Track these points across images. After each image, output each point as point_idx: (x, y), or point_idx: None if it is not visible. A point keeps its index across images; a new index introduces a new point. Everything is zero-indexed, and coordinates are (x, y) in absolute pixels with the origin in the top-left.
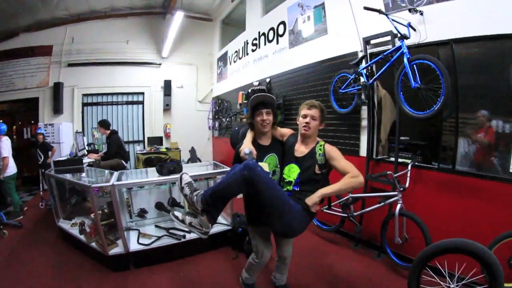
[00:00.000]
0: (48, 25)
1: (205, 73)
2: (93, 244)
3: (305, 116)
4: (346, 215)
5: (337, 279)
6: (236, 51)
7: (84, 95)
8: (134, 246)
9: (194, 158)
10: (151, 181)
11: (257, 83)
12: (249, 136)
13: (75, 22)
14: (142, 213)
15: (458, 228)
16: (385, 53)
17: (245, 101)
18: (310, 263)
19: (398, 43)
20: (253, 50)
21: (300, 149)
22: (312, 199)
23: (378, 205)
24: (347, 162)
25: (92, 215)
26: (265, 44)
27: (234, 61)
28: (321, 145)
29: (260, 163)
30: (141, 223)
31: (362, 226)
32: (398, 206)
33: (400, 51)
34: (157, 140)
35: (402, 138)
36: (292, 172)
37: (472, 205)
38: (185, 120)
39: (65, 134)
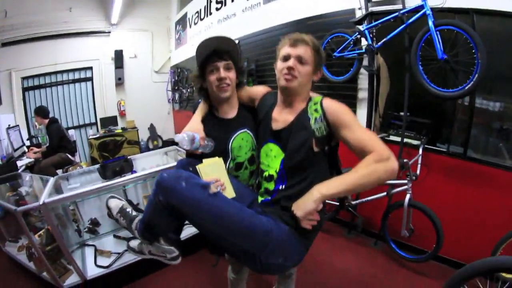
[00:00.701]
0: None
1: (161, 39)
2: (45, 274)
3: (286, 58)
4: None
5: (343, 273)
6: (197, 12)
7: (23, 78)
8: (92, 270)
9: (154, 136)
10: (92, 190)
11: None
12: (198, 111)
13: None
14: (94, 226)
15: (468, 220)
16: (401, 12)
17: None
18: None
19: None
20: (217, 9)
21: (282, 117)
22: (302, 206)
23: (382, 194)
24: (367, 132)
25: (37, 237)
26: (232, 0)
27: (195, 23)
28: (316, 103)
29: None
30: (96, 236)
31: (358, 214)
32: (408, 196)
33: (422, 12)
34: (112, 121)
35: (402, 114)
36: (271, 158)
37: (484, 195)
38: (141, 94)
39: (5, 128)
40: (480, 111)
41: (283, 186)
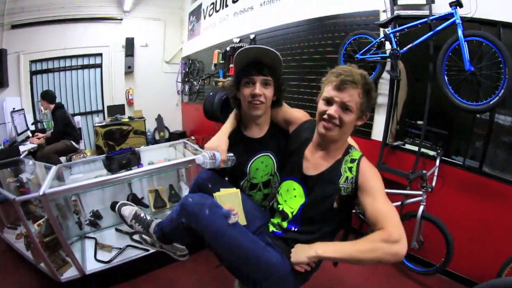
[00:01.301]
0: None
1: (174, 29)
2: (43, 265)
3: (329, 102)
4: (353, 211)
5: (347, 280)
6: (213, 3)
7: (31, 61)
8: (91, 264)
9: (161, 127)
10: (96, 183)
11: (237, 40)
12: (227, 125)
13: None
14: (96, 219)
15: (478, 236)
16: (430, 18)
17: (221, 62)
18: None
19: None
20: (234, 1)
21: (314, 159)
22: (296, 255)
23: (397, 203)
24: (388, 206)
25: (36, 226)
26: None
27: (210, 15)
28: (354, 160)
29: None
30: (98, 229)
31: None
32: (421, 207)
33: (451, 20)
34: (119, 109)
35: (419, 122)
36: (291, 197)
37: (497, 212)
38: (150, 84)
39: (9, 112)
40: (498, 125)
41: (295, 229)
